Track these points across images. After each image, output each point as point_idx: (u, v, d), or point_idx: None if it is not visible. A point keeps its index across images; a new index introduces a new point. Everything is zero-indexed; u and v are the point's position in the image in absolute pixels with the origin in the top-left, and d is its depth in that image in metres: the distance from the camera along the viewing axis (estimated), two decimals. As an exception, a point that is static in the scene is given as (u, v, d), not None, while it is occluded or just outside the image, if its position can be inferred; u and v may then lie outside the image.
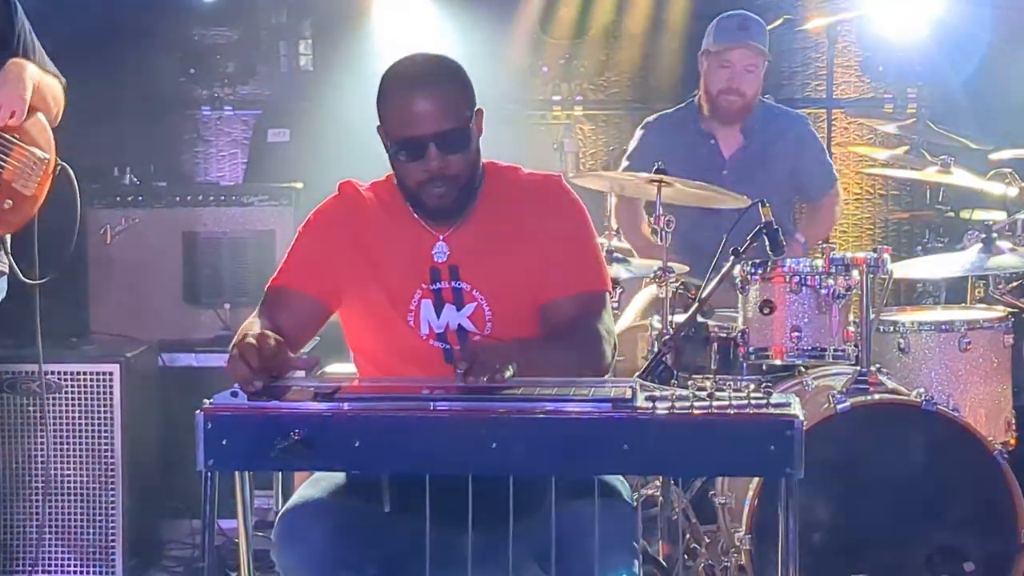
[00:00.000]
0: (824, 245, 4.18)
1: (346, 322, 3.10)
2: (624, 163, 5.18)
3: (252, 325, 2.85)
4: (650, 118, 5.27)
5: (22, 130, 4.01)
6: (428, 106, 2.86)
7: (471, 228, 3.01)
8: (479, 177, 3.01)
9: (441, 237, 3.01)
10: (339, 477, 2.81)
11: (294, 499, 2.78)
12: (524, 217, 3.01)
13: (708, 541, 4.20)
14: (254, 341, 2.59)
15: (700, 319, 4.30)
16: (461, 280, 2.98)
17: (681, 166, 4.61)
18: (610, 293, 3.11)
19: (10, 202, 4.00)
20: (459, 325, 2.97)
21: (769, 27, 5.26)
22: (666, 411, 2.39)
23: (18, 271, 4.14)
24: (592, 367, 2.86)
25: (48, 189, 4.11)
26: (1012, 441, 4.42)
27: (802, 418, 2.38)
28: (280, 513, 2.77)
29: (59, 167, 4.14)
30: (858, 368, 4.00)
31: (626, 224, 5.11)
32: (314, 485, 2.80)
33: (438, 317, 2.97)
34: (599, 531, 2.51)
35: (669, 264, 4.35)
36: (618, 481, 2.84)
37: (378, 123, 2.97)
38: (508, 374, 2.58)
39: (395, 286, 2.99)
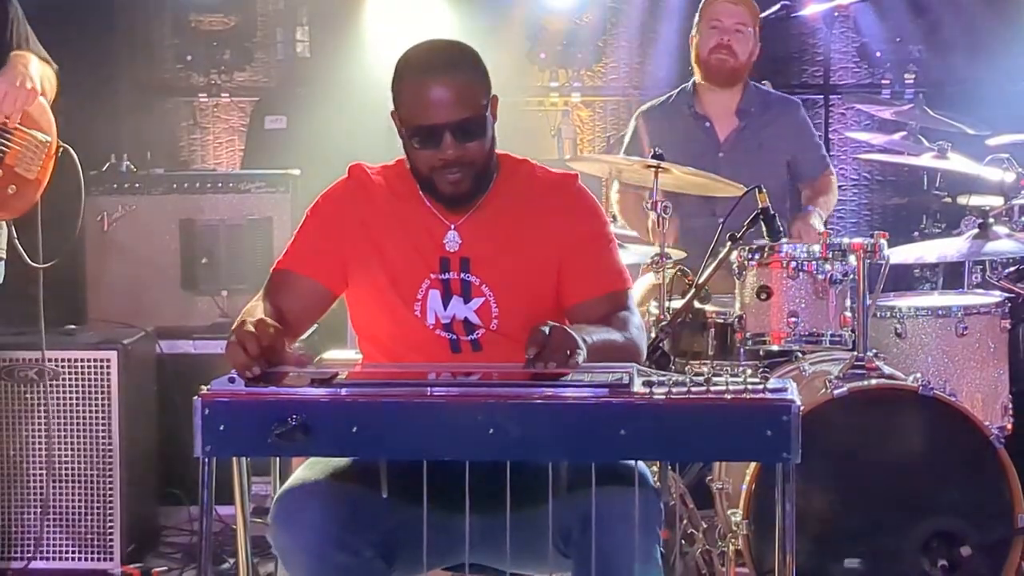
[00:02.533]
0: (821, 231, 4.19)
1: (352, 305, 3.09)
2: (621, 155, 5.17)
3: (255, 309, 2.85)
4: (642, 107, 5.26)
5: (23, 113, 4.01)
6: (444, 94, 2.83)
7: (484, 218, 2.99)
8: (494, 165, 3.00)
9: (453, 225, 2.99)
10: (336, 460, 2.80)
11: (291, 481, 2.78)
12: (541, 216, 3.00)
13: (705, 527, 4.20)
14: (252, 328, 2.59)
15: (697, 305, 4.30)
16: (471, 273, 2.96)
17: (677, 152, 4.61)
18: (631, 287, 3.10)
19: (14, 187, 4.00)
20: (465, 318, 2.96)
21: (766, 13, 5.25)
22: (663, 396, 2.40)
23: (24, 254, 4.15)
24: (632, 359, 2.84)
25: (51, 172, 4.12)
26: (1009, 426, 4.43)
27: (799, 403, 2.39)
28: (277, 495, 2.76)
29: (61, 149, 4.14)
30: (855, 353, 4.00)
31: (630, 212, 5.09)
32: (311, 467, 2.79)
33: (445, 308, 2.96)
34: (627, 516, 2.53)
35: (666, 250, 4.35)
36: (644, 466, 2.84)
37: (392, 108, 2.95)
38: (580, 359, 2.57)
39: (403, 273, 2.98)
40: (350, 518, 2.66)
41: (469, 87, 2.87)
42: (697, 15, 5.09)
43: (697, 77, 5.10)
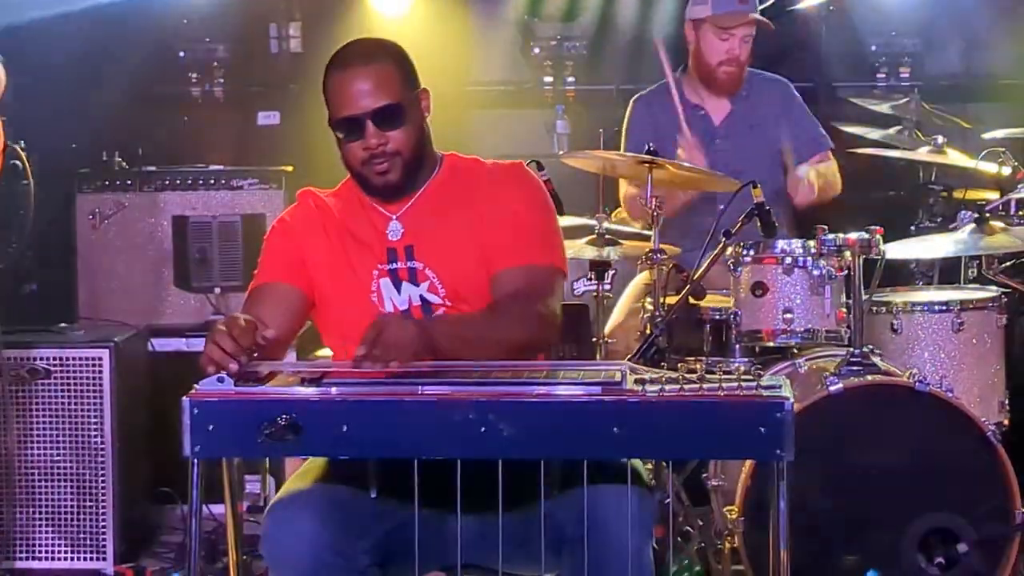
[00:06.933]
0: (816, 227, 4.16)
1: (319, 319, 3.12)
2: (623, 143, 5.14)
3: None
4: (636, 97, 5.23)
5: None
6: (362, 84, 2.95)
7: (425, 206, 3.04)
8: (427, 157, 3.04)
9: (394, 216, 3.04)
10: (326, 469, 2.80)
11: (280, 493, 2.78)
12: (480, 197, 3.04)
13: (701, 524, 4.19)
14: (224, 326, 2.61)
15: (692, 301, 4.28)
16: (415, 260, 3.00)
17: (673, 142, 4.59)
18: (562, 274, 3.06)
19: None
20: (421, 297, 2.99)
21: (761, 6, 5.22)
22: (656, 394, 2.38)
23: None
24: (528, 344, 2.85)
25: None
26: (1006, 421, 4.41)
27: (792, 400, 2.37)
28: (267, 508, 2.75)
29: (7, 148, 4.08)
30: (851, 349, 3.99)
31: (639, 212, 5.04)
32: (301, 478, 2.80)
33: (399, 293, 3.00)
34: (619, 515, 2.53)
35: (660, 246, 4.33)
36: (639, 464, 2.83)
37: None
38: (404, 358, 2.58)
39: (356, 268, 3.03)
40: (344, 526, 2.65)
41: (386, 76, 2.96)
42: (698, 11, 5.02)
43: (697, 80, 5.05)
